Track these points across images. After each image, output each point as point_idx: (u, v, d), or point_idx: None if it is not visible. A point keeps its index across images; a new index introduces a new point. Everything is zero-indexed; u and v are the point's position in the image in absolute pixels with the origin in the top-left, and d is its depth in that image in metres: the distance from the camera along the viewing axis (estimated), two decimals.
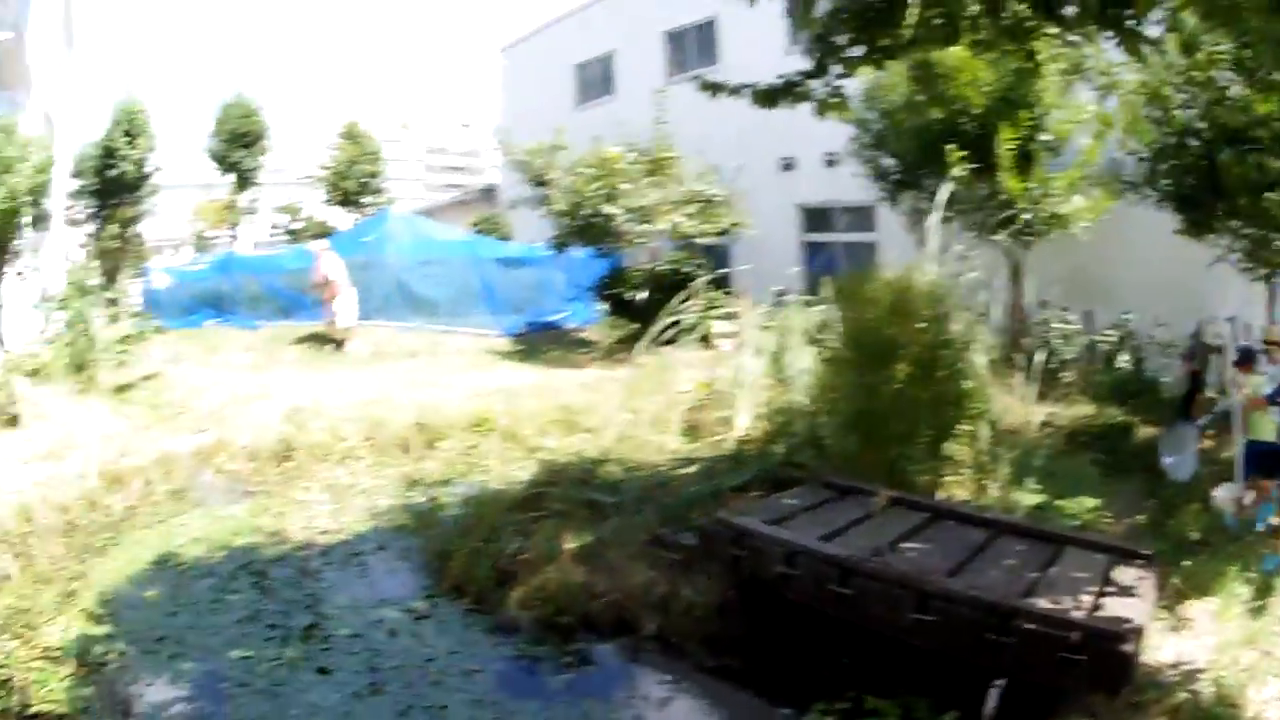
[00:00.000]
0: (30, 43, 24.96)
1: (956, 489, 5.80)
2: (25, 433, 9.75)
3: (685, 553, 4.73)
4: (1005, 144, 9.05)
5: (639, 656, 4.38)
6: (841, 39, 4.11)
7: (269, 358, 14.23)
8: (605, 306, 13.85)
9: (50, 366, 12.40)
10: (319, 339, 14.26)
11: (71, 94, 37.04)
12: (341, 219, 32.99)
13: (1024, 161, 9.33)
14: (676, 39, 19.83)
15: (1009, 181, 9.24)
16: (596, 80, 22.48)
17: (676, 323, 9.06)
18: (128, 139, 26.28)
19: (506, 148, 17.14)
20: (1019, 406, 7.42)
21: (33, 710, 4.44)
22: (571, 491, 5.65)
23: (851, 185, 12.09)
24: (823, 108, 4.54)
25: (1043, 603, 3.99)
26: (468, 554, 5.20)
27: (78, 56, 37.71)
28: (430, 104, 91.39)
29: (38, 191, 13.81)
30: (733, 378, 7.40)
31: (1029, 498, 5.81)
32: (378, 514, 6.80)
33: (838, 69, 4.24)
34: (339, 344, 13.87)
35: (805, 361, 6.86)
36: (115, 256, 26.44)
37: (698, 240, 12.88)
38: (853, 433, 5.62)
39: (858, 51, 4.08)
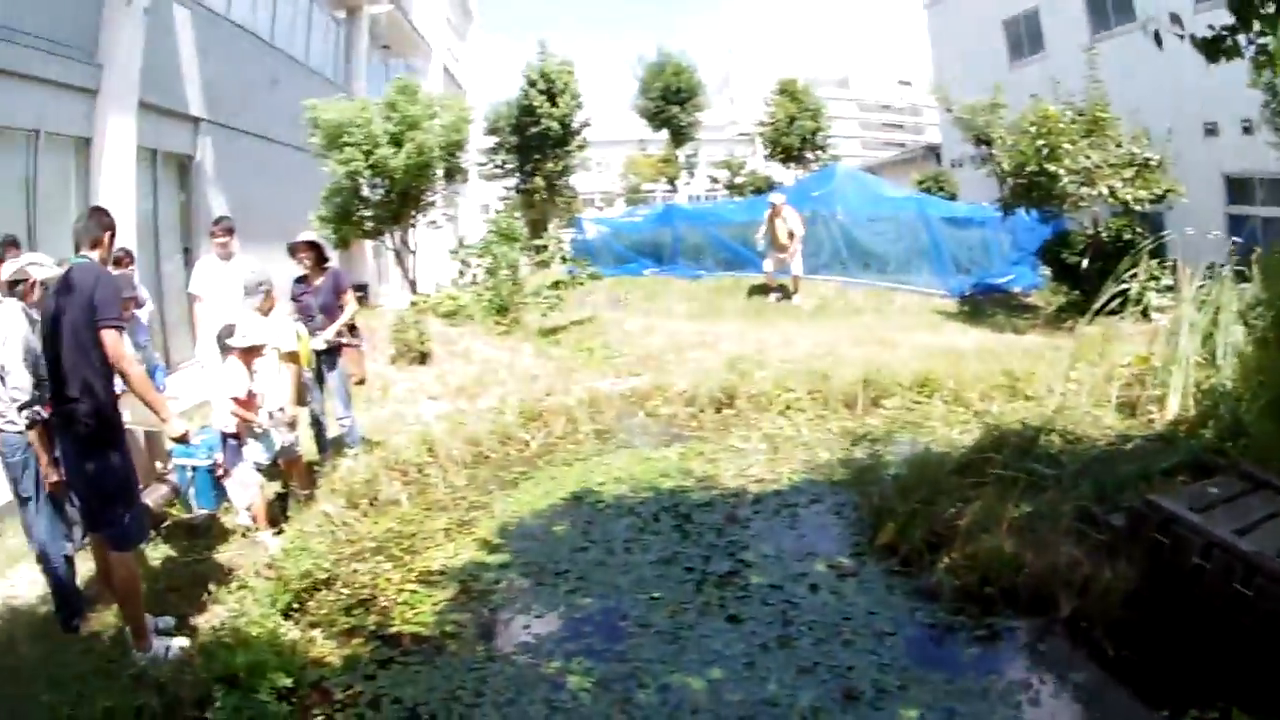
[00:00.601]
0: (416, 12, 29.87)
1: None
2: (435, 370, 11.64)
3: (1112, 534, 5.19)
4: None
5: (1046, 638, 4.72)
6: None
7: (710, 308, 16.80)
8: (1048, 271, 15.76)
9: (468, 309, 14.90)
10: (764, 290, 16.64)
11: (473, 56, 44.04)
12: (783, 175, 37.01)
13: None
14: None
15: None
16: (1025, 37, 25.50)
17: (1123, 293, 9.94)
18: (546, 97, 31.35)
19: (945, 104, 21.68)
20: None
21: (392, 630, 5.16)
22: (1011, 460, 6.19)
23: (1270, 155, 13.64)
24: (1258, 65, 5.44)
25: None
26: (904, 514, 5.70)
27: (476, 22, 45.10)
28: (868, 60, 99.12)
29: (450, 147, 16.48)
30: (1168, 354, 8.15)
31: None
32: (815, 467, 7.50)
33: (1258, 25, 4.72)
34: (785, 295, 16.29)
35: (1235, 341, 7.48)
36: (541, 208, 32.25)
37: (1134, 207, 14.01)
38: (1274, 421, 5.97)
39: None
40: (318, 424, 8.01)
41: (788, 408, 9.35)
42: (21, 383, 4.70)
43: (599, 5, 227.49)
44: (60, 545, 4.95)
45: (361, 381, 8.58)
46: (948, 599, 4.98)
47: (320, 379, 7.86)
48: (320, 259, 7.91)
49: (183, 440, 4.89)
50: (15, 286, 4.94)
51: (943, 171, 27.79)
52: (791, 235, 15.90)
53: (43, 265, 5.08)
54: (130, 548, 4.61)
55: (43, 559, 4.99)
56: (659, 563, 5.77)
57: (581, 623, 5.09)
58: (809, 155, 35.36)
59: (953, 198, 23.53)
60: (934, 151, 32.76)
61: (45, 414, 4.68)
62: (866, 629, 4.72)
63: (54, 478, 4.75)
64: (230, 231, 8.37)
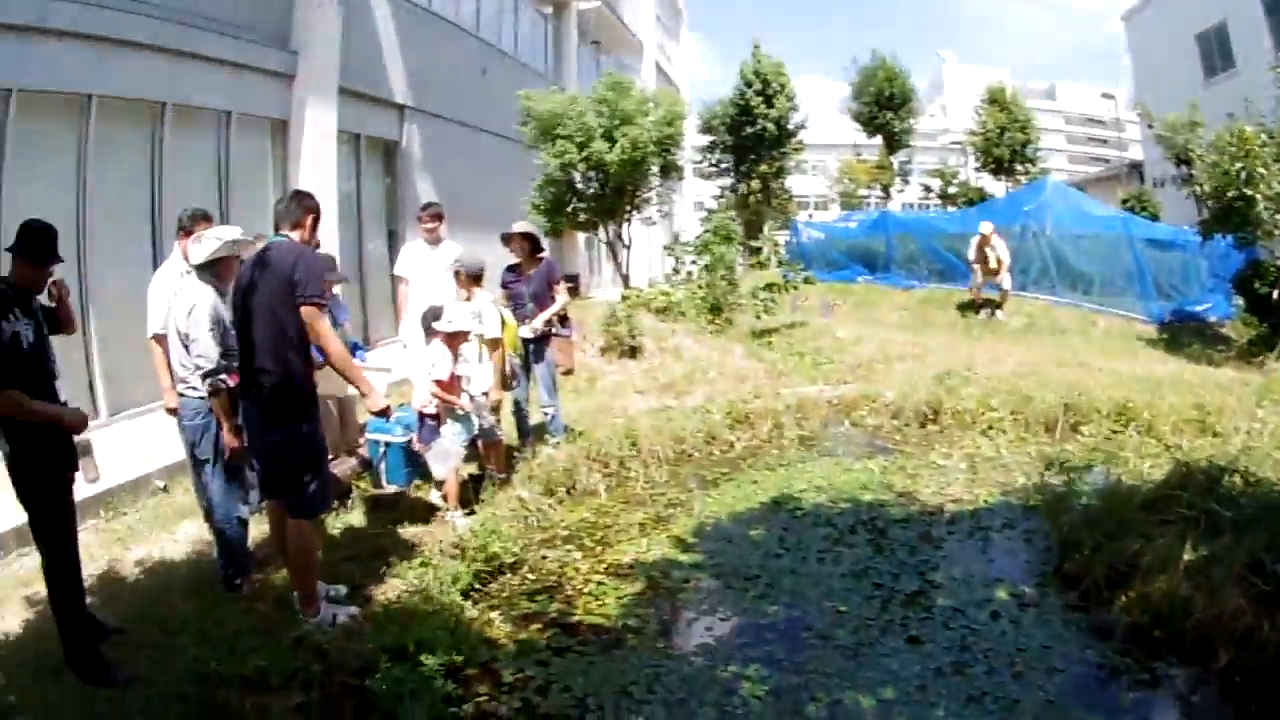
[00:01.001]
0: (626, 9, 30.79)
1: None
2: (644, 364, 12.05)
3: (1276, 584, 5.00)
4: None
5: (1200, 689, 4.69)
6: None
7: (920, 319, 17.53)
8: (1241, 301, 15.61)
9: (681, 306, 15.19)
10: (972, 306, 17.18)
11: (683, 54, 45.07)
12: (993, 186, 37.46)
13: None
14: (1273, 8, 23.11)
15: None
16: (1217, 52, 25.96)
17: None
18: (762, 98, 32.18)
19: (1146, 119, 22.73)
20: None
21: (573, 619, 5.26)
22: (1195, 499, 6.13)
23: None
24: None
25: None
26: (1089, 548, 5.79)
27: (685, 20, 46.15)
28: (1071, 70, 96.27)
29: (664, 143, 16.86)
30: None
31: None
32: (1011, 490, 7.64)
33: None
34: (992, 311, 16.80)
35: None
36: (756, 209, 32.87)
37: None
38: None
39: None
40: (520, 410, 8.26)
41: (990, 427, 9.53)
42: (207, 351, 4.88)
43: (803, 6, 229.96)
44: (234, 507, 5.13)
45: (569, 372, 8.85)
46: (1119, 639, 5.02)
47: (527, 367, 8.10)
48: (534, 249, 8.16)
49: (383, 414, 4.92)
50: (211, 265, 5.14)
51: (1145, 190, 28.16)
52: (1000, 263, 16.39)
53: (238, 241, 5.27)
54: (309, 517, 4.68)
55: (212, 518, 5.19)
56: (849, 576, 5.88)
57: (764, 629, 5.18)
58: (1018, 168, 35.86)
59: (1154, 218, 23.60)
60: (1137, 169, 33.40)
61: (230, 382, 4.86)
62: (1039, 663, 4.80)
63: (234, 444, 4.91)
64: (439, 217, 8.66)
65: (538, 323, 7.93)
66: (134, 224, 10.09)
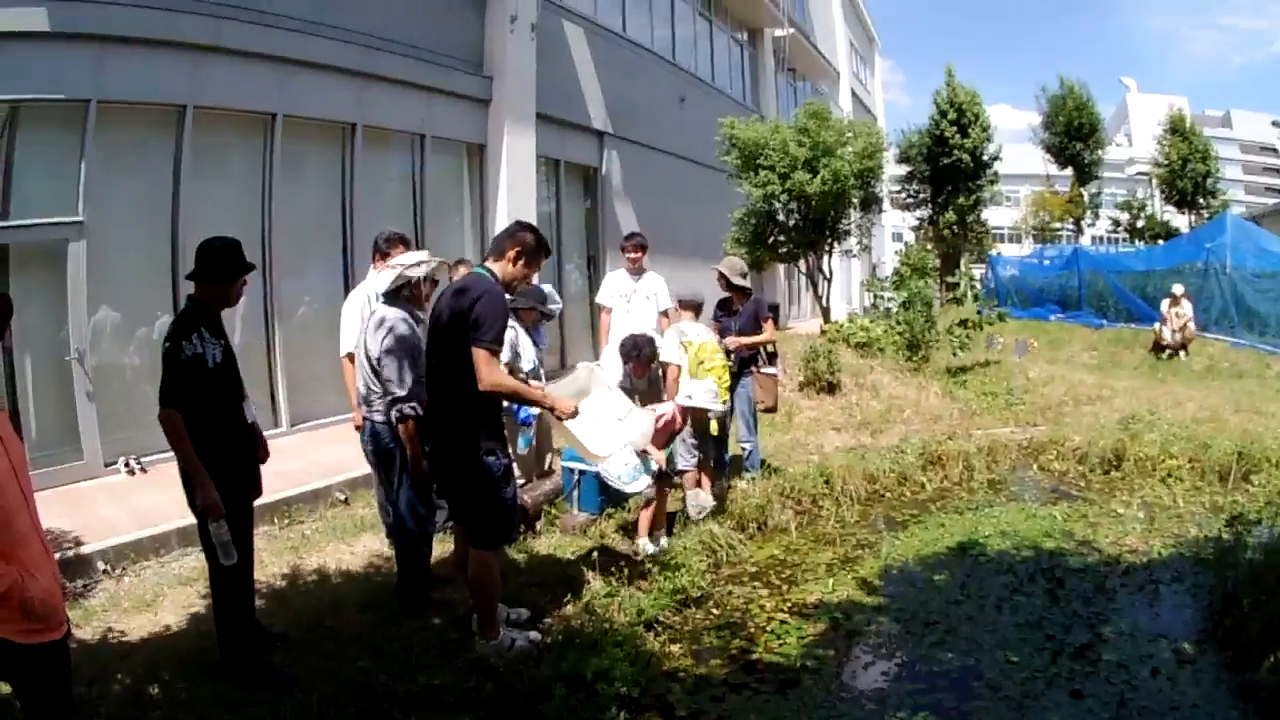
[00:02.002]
0: (819, 36, 30.76)
1: None
2: (842, 401, 12.06)
3: None
4: None
5: None
6: None
7: (1109, 359, 18.00)
8: None
9: (879, 342, 15.06)
10: (1158, 349, 17.35)
11: (878, 84, 44.87)
12: (1178, 219, 37.60)
13: None
14: None
15: None
16: None
17: None
18: (956, 128, 31.89)
19: None
20: None
21: (754, 656, 5.31)
22: None
23: None
24: None
25: None
26: (1248, 604, 5.70)
27: (878, 47, 45.72)
28: (1243, 94, 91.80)
29: (865, 175, 16.81)
30: None
31: None
32: (1184, 542, 7.65)
33: None
34: (1175, 353, 17.00)
35: None
36: (953, 243, 32.33)
37: None
38: None
39: None
40: (721, 441, 8.03)
41: (1169, 475, 9.54)
42: (395, 377, 4.96)
43: (982, 30, 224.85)
44: (419, 526, 5.22)
45: (772, 409, 8.78)
46: (1266, 699, 4.93)
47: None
48: (738, 288, 8.06)
49: (573, 415, 4.80)
50: (401, 292, 5.25)
51: None
52: (1184, 323, 16.86)
53: (422, 263, 5.35)
54: (492, 547, 4.66)
55: (394, 535, 5.34)
56: (1025, 625, 5.90)
57: (938, 676, 5.20)
58: (1200, 200, 35.78)
59: None
60: None
61: (419, 410, 4.89)
62: None
63: (420, 470, 4.96)
64: (642, 248, 8.87)
65: (733, 341, 7.84)
66: (324, 241, 10.71)
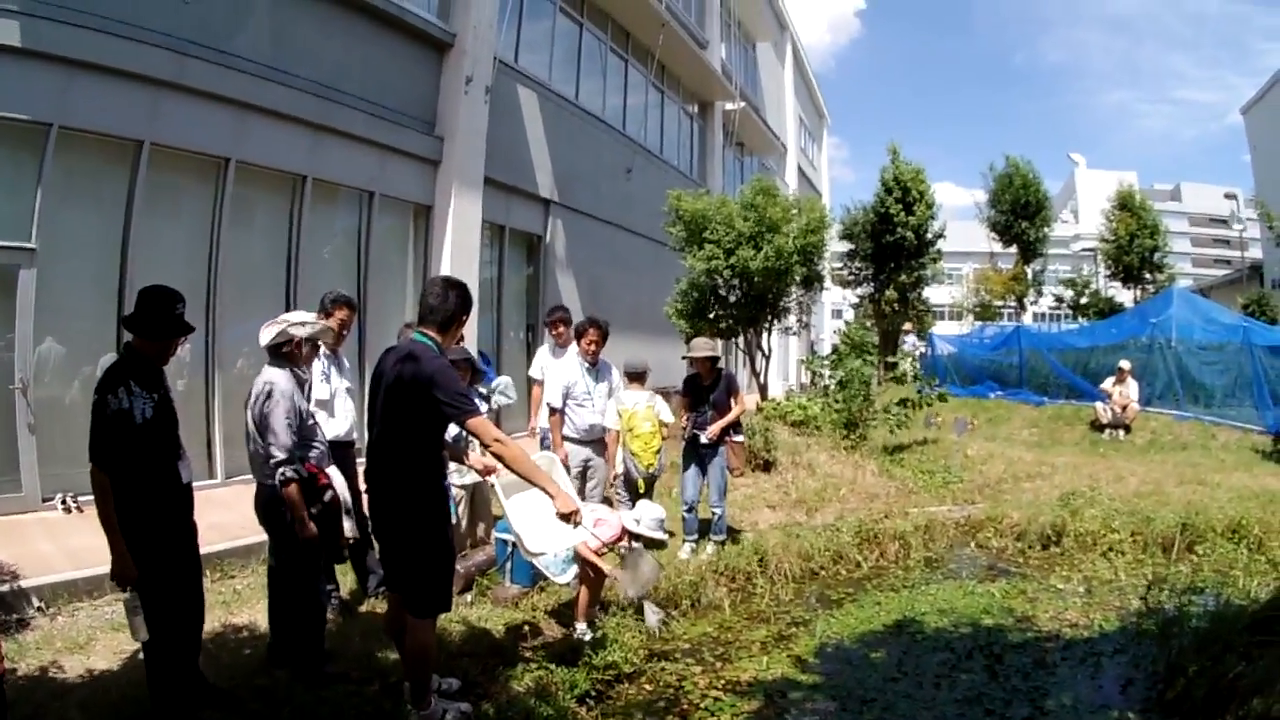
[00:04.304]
0: (770, 111, 31.52)
1: None
2: (778, 479, 12.13)
3: None
4: None
5: None
6: None
7: (1049, 436, 18.17)
8: None
9: (817, 420, 15.25)
10: (1099, 427, 17.49)
11: (824, 160, 46.17)
12: (1123, 295, 38.92)
13: None
14: None
15: None
16: None
17: None
18: (902, 205, 32.63)
19: (1267, 220, 25.89)
20: None
21: None
22: None
23: None
24: None
25: None
26: (1193, 671, 5.87)
27: (826, 125, 47.16)
28: (1195, 167, 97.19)
29: (808, 252, 17.03)
30: None
31: None
32: (1126, 614, 7.84)
33: None
34: (1117, 430, 17.17)
35: None
36: (893, 320, 32.69)
37: None
38: None
39: None
40: (692, 511, 8.87)
41: (1110, 549, 9.88)
42: (274, 440, 4.90)
43: (929, 107, 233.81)
44: (310, 595, 5.11)
45: (740, 473, 9.59)
46: None
47: (702, 468, 8.79)
48: (714, 363, 8.92)
49: (568, 518, 4.62)
50: (282, 349, 5.22)
51: (1265, 294, 29.34)
52: (1127, 401, 17.15)
53: (305, 324, 5.35)
54: (427, 616, 4.62)
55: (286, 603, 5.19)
56: (964, 701, 5.95)
57: None
58: (1147, 275, 36.75)
59: (1273, 321, 24.92)
60: (1258, 271, 34.57)
61: (303, 473, 4.91)
62: None
63: (307, 535, 4.89)
64: (566, 322, 9.13)
65: (714, 429, 8.55)
66: (268, 292, 10.70)
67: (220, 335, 9.95)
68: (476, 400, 5.10)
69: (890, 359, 20.43)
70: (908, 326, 25.46)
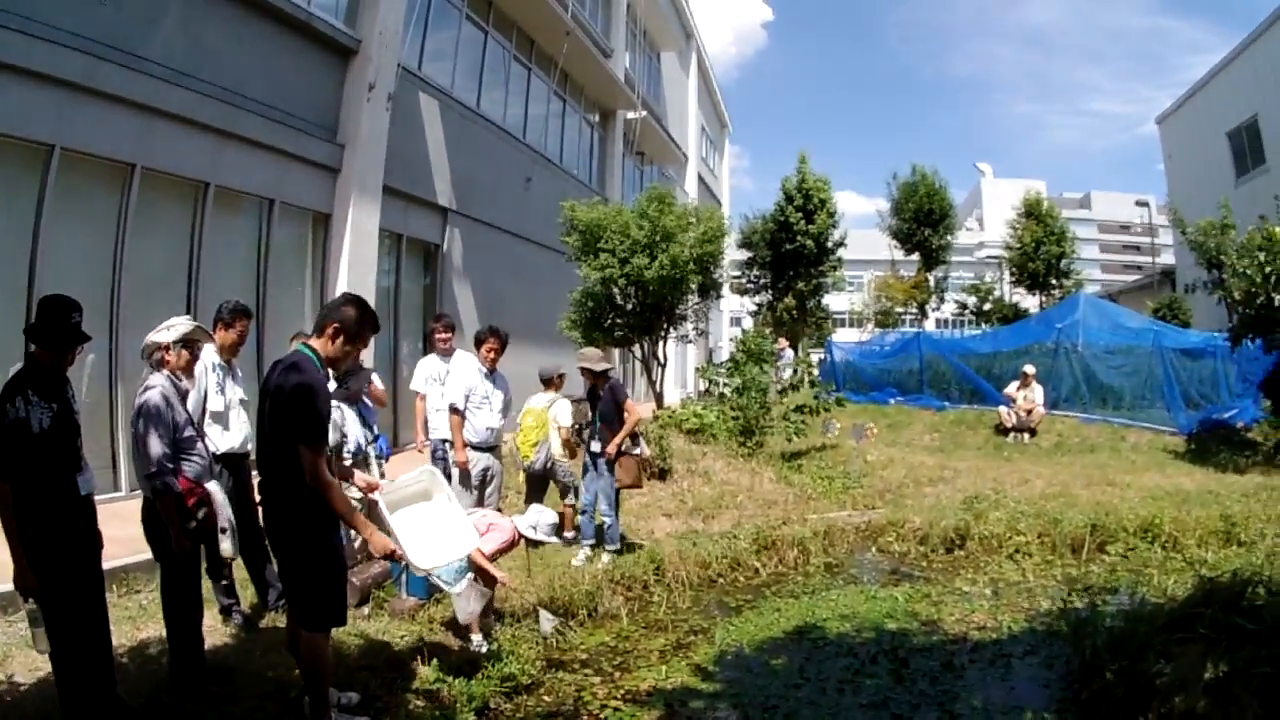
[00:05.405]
0: (671, 120, 31.65)
1: None
2: (673, 487, 12.25)
3: None
4: None
5: None
6: None
7: (952, 440, 18.20)
8: (1268, 404, 16.44)
9: (713, 428, 15.35)
10: (1004, 430, 17.74)
11: (725, 169, 46.82)
12: (1028, 301, 39.49)
13: None
14: None
15: None
16: (1247, 149, 27.28)
17: None
18: (802, 214, 33.12)
19: (1178, 226, 24.28)
20: None
21: None
22: (1218, 614, 6.22)
23: None
24: None
25: None
26: (1111, 670, 5.89)
27: (729, 132, 47.79)
28: (1107, 177, 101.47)
29: (704, 261, 17.29)
30: None
31: None
32: (1036, 615, 7.85)
33: None
34: (1022, 434, 17.43)
35: None
36: (792, 327, 33.10)
37: None
38: None
39: None
40: (588, 515, 9.15)
41: (1016, 551, 9.97)
42: (146, 450, 4.84)
43: (833, 117, 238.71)
44: (186, 611, 5.05)
45: (637, 486, 9.54)
46: None
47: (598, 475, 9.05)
48: (598, 373, 9.02)
49: (390, 558, 4.79)
50: (153, 356, 5.17)
51: (1176, 297, 30.07)
52: (1033, 406, 17.48)
53: (169, 329, 5.26)
54: (319, 629, 4.59)
55: (166, 618, 5.12)
56: (869, 707, 5.93)
57: None
58: (1053, 282, 37.24)
59: (1185, 325, 25.60)
60: (1169, 276, 34.83)
61: (177, 486, 4.86)
62: None
63: (180, 548, 4.85)
64: (451, 329, 9.26)
65: (611, 448, 8.82)
66: (169, 301, 10.34)
67: (124, 345, 9.59)
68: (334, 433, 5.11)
69: (786, 365, 20.74)
70: (782, 342, 25.67)
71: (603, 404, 8.99)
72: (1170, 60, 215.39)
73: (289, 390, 4.29)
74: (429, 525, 5.47)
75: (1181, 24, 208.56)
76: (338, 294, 12.40)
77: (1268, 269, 14.05)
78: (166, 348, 5.16)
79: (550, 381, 9.18)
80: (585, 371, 9.02)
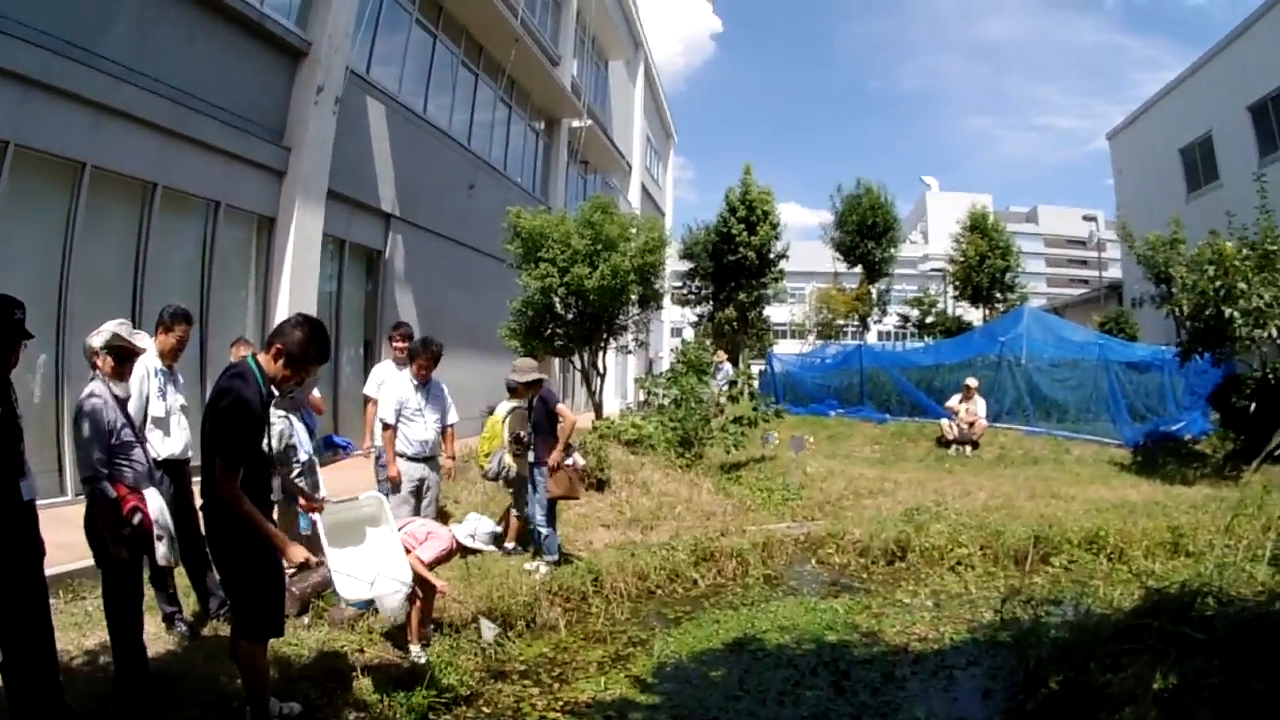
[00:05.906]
0: (616, 130, 31.76)
1: None
2: (612, 498, 12.25)
3: (1251, 703, 5.01)
4: None
5: None
6: None
7: (893, 452, 18.37)
8: (1217, 417, 16.56)
9: (651, 438, 15.25)
10: (945, 442, 17.87)
11: (669, 180, 47.08)
12: (972, 314, 39.77)
13: None
14: (1260, 114, 24.27)
15: None
16: (1200, 166, 27.68)
17: None
18: (745, 225, 33.46)
19: (1127, 241, 24.78)
20: None
21: None
22: (1166, 625, 6.22)
23: None
24: None
25: None
26: (1056, 681, 5.88)
27: (674, 143, 48.05)
28: (1055, 192, 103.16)
29: (645, 271, 17.22)
30: None
31: None
32: (978, 627, 7.88)
33: None
34: (964, 446, 17.58)
35: None
36: (732, 338, 31.51)
37: None
38: None
39: None
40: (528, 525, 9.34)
41: (959, 563, 10.05)
42: (81, 456, 4.84)
43: (777, 128, 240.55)
44: (126, 619, 5.01)
45: (569, 497, 9.40)
46: None
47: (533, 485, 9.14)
48: (528, 384, 9.11)
49: (304, 566, 4.74)
50: (93, 358, 5.16)
51: (1124, 311, 30.16)
52: (974, 419, 17.63)
53: (99, 334, 5.22)
54: (257, 639, 4.61)
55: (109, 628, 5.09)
56: (810, 718, 5.92)
57: None
58: (997, 295, 37.58)
59: (1132, 338, 25.75)
60: (1116, 290, 35.05)
61: (112, 492, 4.84)
62: None
63: (118, 556, 4.84)
64: (408, 338, 9.21)
65: (552, 460, 8.81)
66: (115, 302, 10.24)
67: (71, 347, 9.40)
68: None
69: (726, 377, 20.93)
70: (720, 355, 25.78)
71: (535, 414, 9.08)
72: (1126, 76, 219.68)
73: (222, 403, 4.31)
74: (365, 555, 5.48)
75: (1138, 42, 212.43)
76: (280, 298, 12.57)
77: (1217, 283, 14.22)
78: (95, 352, 5.13)
79: (515, 390, 9.24)
80: (513, 383, 9.17)
